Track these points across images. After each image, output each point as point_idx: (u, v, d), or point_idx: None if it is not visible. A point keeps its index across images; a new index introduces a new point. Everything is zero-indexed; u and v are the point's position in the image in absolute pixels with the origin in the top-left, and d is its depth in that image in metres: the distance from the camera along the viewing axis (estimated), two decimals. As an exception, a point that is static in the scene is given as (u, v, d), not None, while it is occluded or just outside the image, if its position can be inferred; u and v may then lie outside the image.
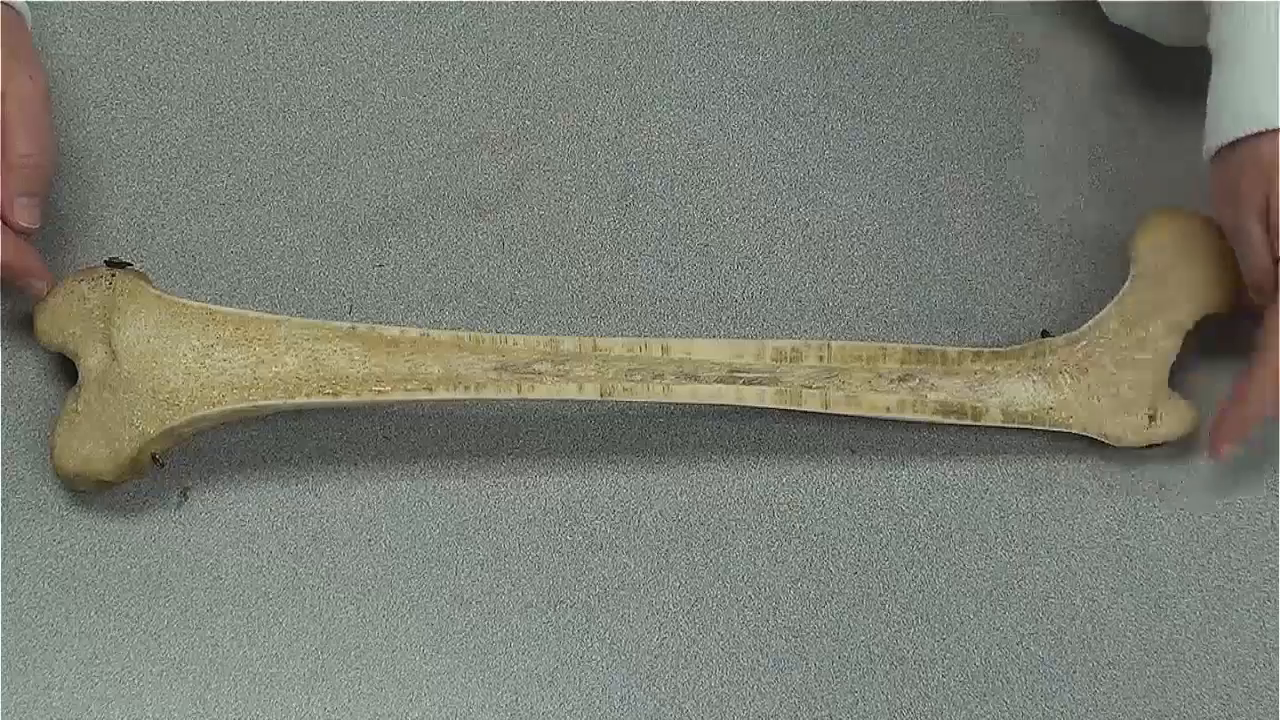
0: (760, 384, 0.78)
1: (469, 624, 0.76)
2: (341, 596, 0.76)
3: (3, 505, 0.76)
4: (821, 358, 0.79)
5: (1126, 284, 0.80)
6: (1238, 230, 0.77)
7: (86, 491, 0.75)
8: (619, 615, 0.77)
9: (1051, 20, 0.90)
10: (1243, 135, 0.76)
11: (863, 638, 0.77)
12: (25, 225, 0.75)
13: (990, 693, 0.77)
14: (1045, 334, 0.82)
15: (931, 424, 0.80)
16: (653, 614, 0.77)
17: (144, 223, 0.81)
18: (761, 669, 0.77)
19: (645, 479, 0.79)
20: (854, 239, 0.85)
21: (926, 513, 0.80)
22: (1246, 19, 0.76)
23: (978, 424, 0.79)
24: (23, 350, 0.78)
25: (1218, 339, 0.84)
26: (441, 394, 0.75)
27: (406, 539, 0.77)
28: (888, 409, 0.78)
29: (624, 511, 0.79)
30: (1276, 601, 0.79)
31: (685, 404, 0.78)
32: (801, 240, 0.85)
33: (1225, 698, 0.77)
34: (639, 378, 0.77)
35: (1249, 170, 0.76)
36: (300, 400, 0.74)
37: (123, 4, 0.86)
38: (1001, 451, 0.81)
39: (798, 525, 0.79)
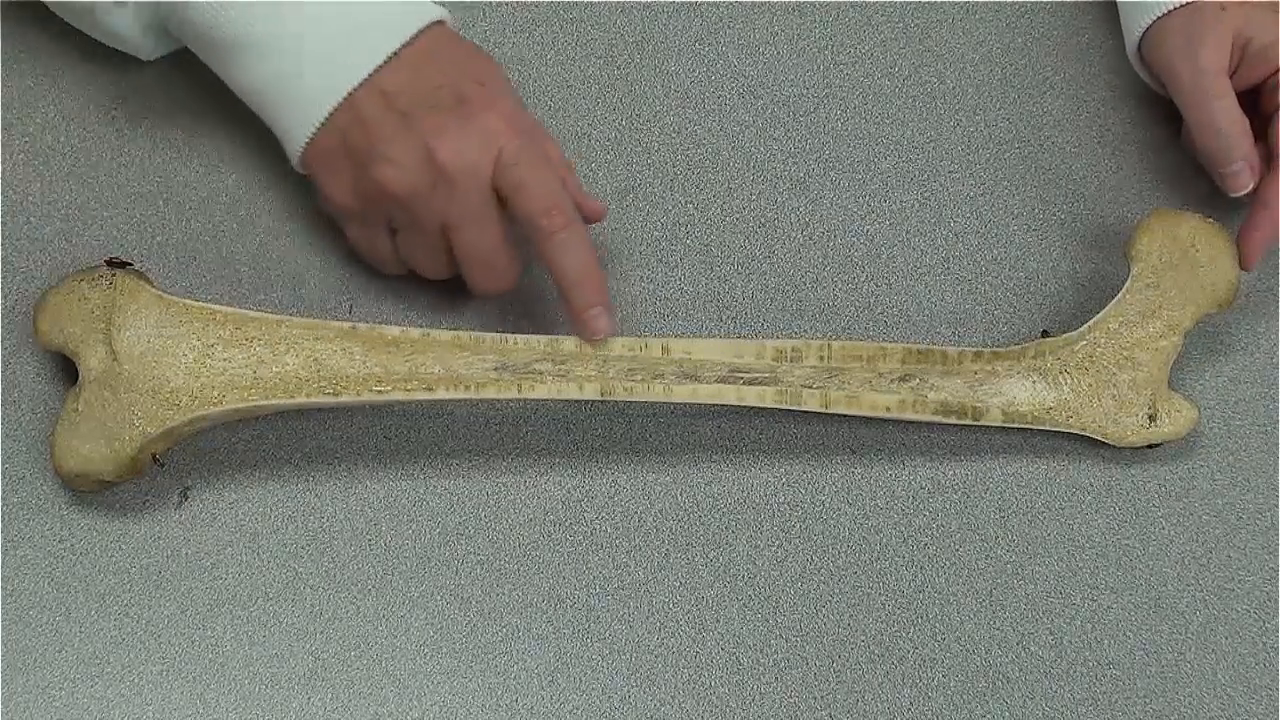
0: (760, 384, 0.78)
1: (469, 624, 0.76)
2: (341, 596, 0.76)
3: (3, 505, 0.76)
4: (822, 357, 0.79)
5: (1126, 284, 0.81)
6: (1198, 94, 0.80)
7: (86, 491, 0.75)
8: (619, 615, 0.77)
9: (1051, 21, 0.90)
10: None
11: (863, 638, 0.77)
12: (600, 213, 0.78)
13: (990, 693, 0.77)
14: (1045, 334, 0.82)
15: (931, 424, 0.80)
16: (653, 614, 0.77)
17: (144, 223, 0.81)
18: (761, 669, 0.77)
19: (645, 479, 0.79)
20: (854, 239, 0.85)
21: (926, 513, 0.80)
22: None
23: (978, 424, 0.79)
24: (23, 350, 0.78)
25: (1217, 339, 0.84)
26: (441, 394, 0.75)
27: (406, 539, 0.77)
28: (888, 409, 0.78)
29: (624, 511, 0.79)
30: (1276, 601, 0.79)
31: (685, 404, 0.78)
32: (801, 240, 0.85)
33: (1225, 698, 0.77)
34: (639, 377, 0.77)
35: (1203, 23, 0.79)
36: (301, 400, 0.74)
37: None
38: (1001, 451, 0.81)
39: (798, 525, 0.79)
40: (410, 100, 0.74)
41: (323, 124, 0.75)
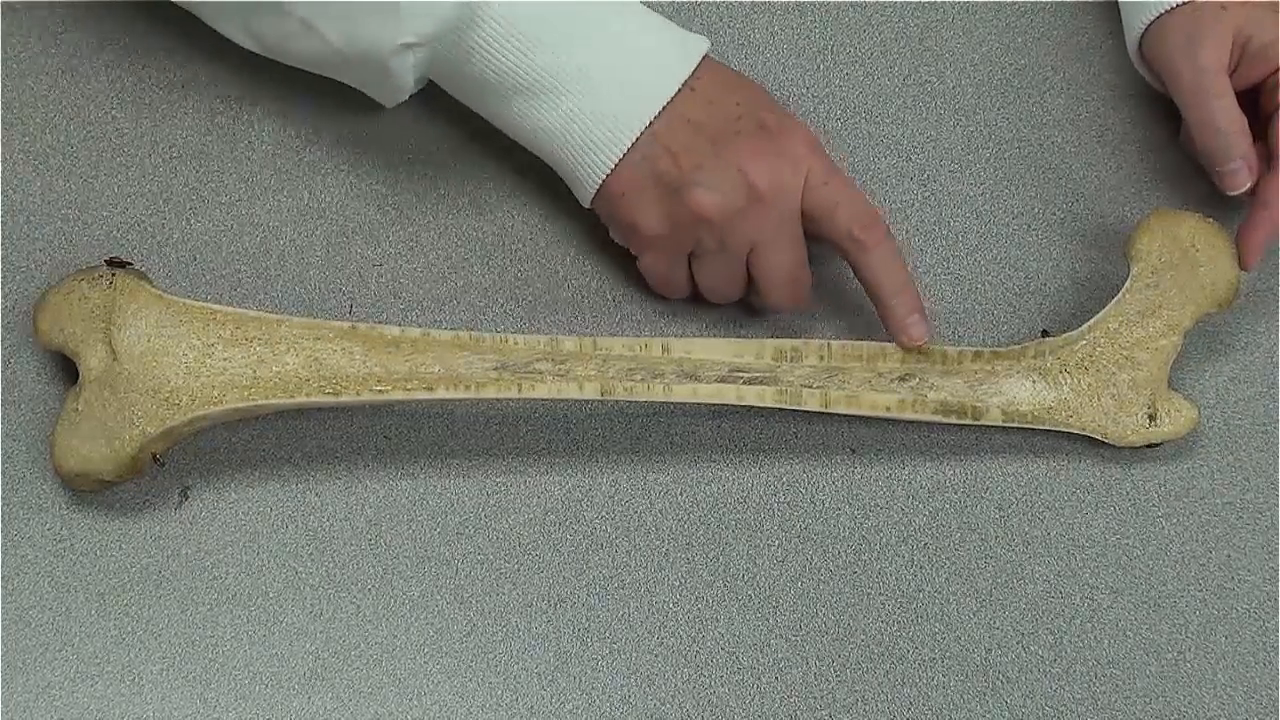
0: (760, 383, 0.78)
1: (469, 624, 0.76)
2: (341, 596, 0.76)
3: (3, 505, 0.76)
4: (822, 357, 0.79)
5: (1126, 284, 0.81)
6: (1198, 93, 0.80)
7: (86, 491, 0.75)
8: (619, 615, 0.77)
9: (1051, 21, 0.90)
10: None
11: (863, 638, 0.77)
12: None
13: (990, 693, 0.77)
14: (1045, 334, 0.82)
15: (931, 424, 0.80)
16: (653, 614, 0.77)
17: (144, 222, 0.81)
18: (761, 669, 0.77)
19: (645, 479, 0.79)
20: (854, 239, 0.85)
21: (926, 513, 0.80)
22: None
23: (978, 424, 0.79)
24: (23, 350, 0.78)
25: (1217, 339, 0.84)
26: (441, 393, 0.75)
27: (406, 539, 0.77)
28: (888, 408, 0.78)
29: (624, 511, 0.79)
30: (1276, 601, 0.79)
31: (685, 403, 0.78)
32: (801, 240, 0.85)
33: (1225, 698, 0.77)
34: (639, 377, 0.77)
35: (1204, 22, 0.79)
36: (301, 400, 0.74)
37: (124, 2, 0.86)
38: (1001, 451, 0.81)
39: (798, 525, 0.79)
40: (716, 128, 0.76)
41: (623, 157, 0.76)
